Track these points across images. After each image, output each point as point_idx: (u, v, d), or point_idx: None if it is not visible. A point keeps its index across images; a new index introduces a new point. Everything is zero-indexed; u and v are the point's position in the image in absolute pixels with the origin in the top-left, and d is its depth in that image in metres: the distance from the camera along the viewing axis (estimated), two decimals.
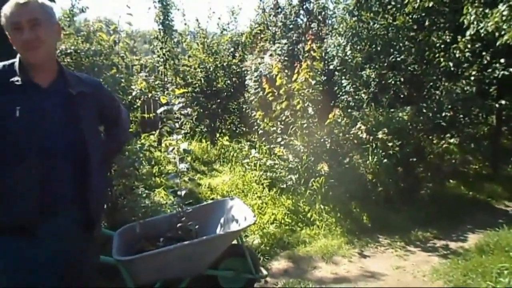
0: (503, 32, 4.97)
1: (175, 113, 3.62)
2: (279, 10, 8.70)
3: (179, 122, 3.68)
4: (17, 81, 1.77)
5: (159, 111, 3.64)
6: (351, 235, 4.96)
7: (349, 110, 6.72)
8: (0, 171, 1.75)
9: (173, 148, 3.42)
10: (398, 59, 6.68)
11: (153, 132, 6.52)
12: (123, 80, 4.33)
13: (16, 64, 1.82)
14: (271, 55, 7.27)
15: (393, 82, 6.84)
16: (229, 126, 9.56)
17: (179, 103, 3.57)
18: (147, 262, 2.85)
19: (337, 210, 5.36)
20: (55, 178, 1.78)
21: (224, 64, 9.05)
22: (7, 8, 1.77)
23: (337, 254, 4.50)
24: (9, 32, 1.79)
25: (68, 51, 4.29)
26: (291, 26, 8.41)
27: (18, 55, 1.84)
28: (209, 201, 4.56)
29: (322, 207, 5.34)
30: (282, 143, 6.11)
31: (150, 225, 3.31)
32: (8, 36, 1.81)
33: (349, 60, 7.08)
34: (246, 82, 7.74)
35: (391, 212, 5.54)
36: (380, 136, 5.86)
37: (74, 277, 1.91)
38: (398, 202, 5.76)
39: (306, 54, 6.01)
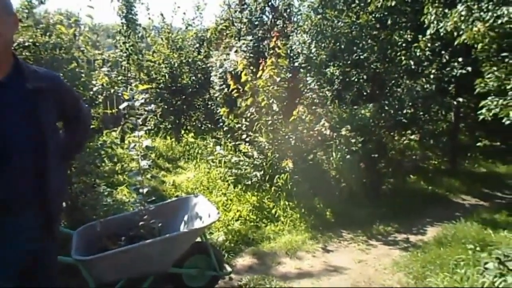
0: (461, 32, 5.14)
1: (138, 109, 3.54)
2: (245, 6, 8.67)
3: (142, 118, 3.62)
4: None
5: (121, 106, 3.56)
6: (315, 231, 5.02)
7: (313, 107, 6.79)
8: None
9: (135, 145, 3.35)
10: (361, 57, 6.79)
11: (116, 129, 6.39)
12: (83, 75, 4.21)
13: None
14: (236, 51, 7.24)
15: (356, 79, 6.96)
16: (194, 123, 9.50)
17: (142, 98, 3.50)
18: (107, 261, 2.79)
19: (301, 206, 5.41)
20: (13, 175, 1.71)
21: (189, 60, 8.98)
22: None
23: (301, 250, 4.55)
24: None
25: (26, 44, 4.12)
26: (256, 23, 8.40)
27: None
28: (173, 199, 4.51)
29: (286, 203, 5.39)
30: (247, 139, 6.12)
31: (111, 224, 3.24)
32: None
33: (314, 58, 7.14)
34: (211, 79, 7.70)
35: (354, 207, 5.65)
36: (343, 132, 5.96)
37: (34, 276, 1.86)
38: (360, 197, 5.88)
39: (271, 51, 6.03)
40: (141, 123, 3.45)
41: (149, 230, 3.13)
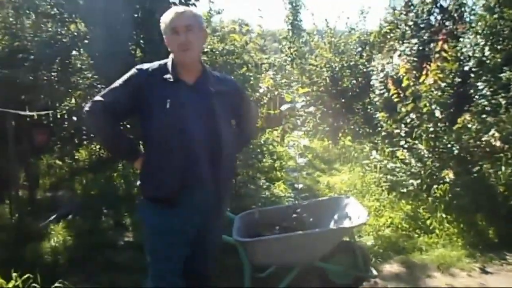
0: None
1: (298, 111, 3.80)
2: (411, 8, 8.37)
3: (302, 120, 3.87)
4: (170, 78, 2.13)
5: (283, 108, 3.85)
6: (474, 249, 4.64)
7: (483, 116, 6.25)
8: (151, 152, 2.14)
9: (294, 144, 3.61)
10: None
11: (277, 128, 6.85)
12: (252, 78, 4.67)
13: (169, 64, 2.17)
14: (399, 55, 7.07)
15: None
16: (352, 126, 9.51)
17: (302, 101, 3.75)
18: (262, 246, 3.09)
19: (460, 220, 5.05)
20: (194, 160, 2.11)
21: (351, 63, 9.04)
22: (167, 15, 2.14)
23: (455, 266, 4.28)
24: (167, 35, 2.14)
25: (205, 50, 4.76)
26: (422, 25, 8.04)
27: (171, 56, 2.18)
28: (325, 197, 4.68)
29: (443, 215, 5.09)
30: (405, 146, 5.95)
31: (267, 214, 3.56)
32: (165, 39, 2.16)
33: (487, 61, 6.57)
34: (371, 83, 7.65)
35: None
36: None
37: (201, 246, 2.25)
38: None
39: (437, 55, 5.75)
40: (300, 124, 3.71)
41: (301, 223, 3.36)
